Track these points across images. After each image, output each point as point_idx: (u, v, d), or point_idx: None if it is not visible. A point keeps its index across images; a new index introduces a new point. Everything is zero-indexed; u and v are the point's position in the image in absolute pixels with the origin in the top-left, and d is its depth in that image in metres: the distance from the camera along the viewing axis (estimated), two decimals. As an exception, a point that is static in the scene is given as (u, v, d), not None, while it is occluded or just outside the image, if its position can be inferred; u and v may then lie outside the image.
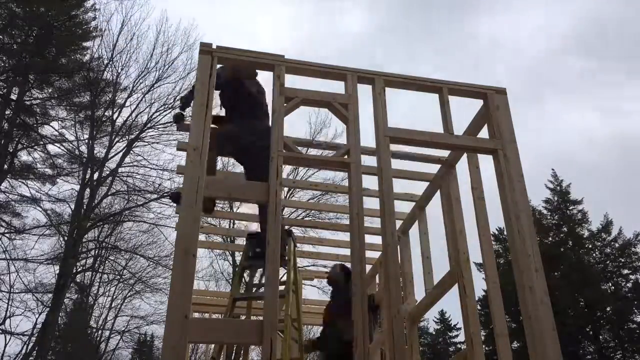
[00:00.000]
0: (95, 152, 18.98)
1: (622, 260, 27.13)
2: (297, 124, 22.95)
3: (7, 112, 16.89)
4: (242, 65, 4.49)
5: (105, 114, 19.75)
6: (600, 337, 25.95)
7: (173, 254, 5.75)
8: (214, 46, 4.24)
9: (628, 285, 26.78)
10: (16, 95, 17.46)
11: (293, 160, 4.35)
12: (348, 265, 5.82)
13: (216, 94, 4.38)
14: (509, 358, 4.27)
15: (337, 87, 4.55)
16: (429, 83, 4.65)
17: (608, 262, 27.36)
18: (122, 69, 19.62)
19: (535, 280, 3.87)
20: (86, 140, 19.02)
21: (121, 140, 19.56)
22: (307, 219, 18.70)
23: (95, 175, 18.75)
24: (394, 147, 4.41)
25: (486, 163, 4.82)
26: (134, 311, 22.97)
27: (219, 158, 5.19)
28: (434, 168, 5.81)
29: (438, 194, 5.69)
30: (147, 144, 19.77)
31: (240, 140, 4.68)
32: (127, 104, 19.91)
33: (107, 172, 19.11)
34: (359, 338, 3.45)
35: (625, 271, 27.02)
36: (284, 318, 4.27)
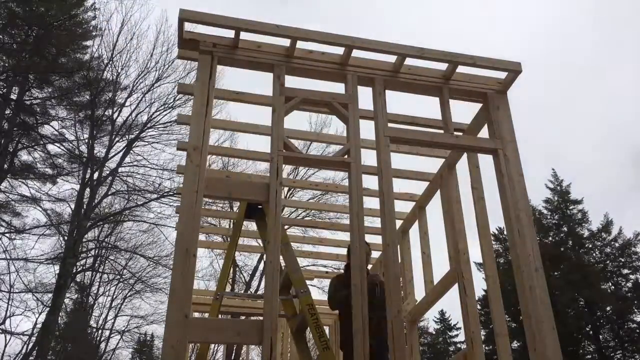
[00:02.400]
0: (95, 151, 18.96)
1: (622, 260, 27.12)
2: (297, 124, 22.88)
3: (7, 112, 16.88)
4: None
5: (105, 113, 19.73)
6: (600, 337, 25.94)
7: (173, 254, 5.75)
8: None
9: (628, 285, 26.77)
10: (16, 95, 17.45)
11: (293, 160, 4.36)
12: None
13: None
14: (509, 358, 4.27)
15: (337, 86, 4.56)
16: (429, 84, 4.65)
17: (608, 262, 27.35)
18: (122, 69, 19.61)
19: (535, 280, 3.87)
20: (86, 140, 19.01)
21: (121, 140, 19.55)
22: (307, 218, 18.69)
23: (95, 175, 18.74)
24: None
25: (486, 163, 4.84)
26: (134, 311, 22.98)
27: (218, 157, 5.22)
28: (434, 168, 5.82)
29: (438, 194, 5.69)
30: (147, 143, 19.77)
31: None
32: (127, 103, 19.90)
33: (107, 172, 19.09)
34: (359, 338, 3.45)
35: (625, 271, 27.02)
36: None
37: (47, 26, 17.11)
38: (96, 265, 20.94)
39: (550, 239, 28.28)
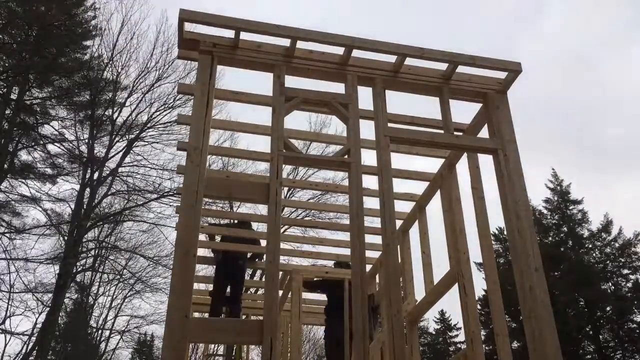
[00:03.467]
0: (95, 151, 18.96)
1: (622, 260, 27.11)
2: (297, 124, 22.87)
3: (7, 112, 16.88)
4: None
5: (105, 113, 19.74)
6: (600, 337, 25.94)
7: (173, 254, 5.75)
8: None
9: (628, 285, 26.76)
10: (16, 95, 17.44)
11: (293, 160, 4.36)
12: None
13: None
14: (509, 358, 4.27)
15: (337, 86, 4.56)
16: (429, 84, 4.65)
17: (608, 262, 27.33)
18: (122, 69, 19.60)
19: (535, 280, 3.87)
20: (86, 140, 19.01)
21: (121, 140, 19.54)
22: (307, 218, 18.69)
23: (95, 175, 18.74)
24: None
25: (486, 163, 4.84)
26: (134, 311, 23.00)
27: (218, 157, 5.23)
28: (434, 168, 5.82)
29: (438, 193, 5.68)
30: (147, 143, 19.75)
31: None
32: (127, 103, 19.88)
33: (107, 172, 19.09)
34: (359, 338, 3.45)
35: (625, 271, 27.01)
36: None
37: (47, 26, 17.09)
38: (96, 265, 20.94)
39: (550, 239, 28.27)
